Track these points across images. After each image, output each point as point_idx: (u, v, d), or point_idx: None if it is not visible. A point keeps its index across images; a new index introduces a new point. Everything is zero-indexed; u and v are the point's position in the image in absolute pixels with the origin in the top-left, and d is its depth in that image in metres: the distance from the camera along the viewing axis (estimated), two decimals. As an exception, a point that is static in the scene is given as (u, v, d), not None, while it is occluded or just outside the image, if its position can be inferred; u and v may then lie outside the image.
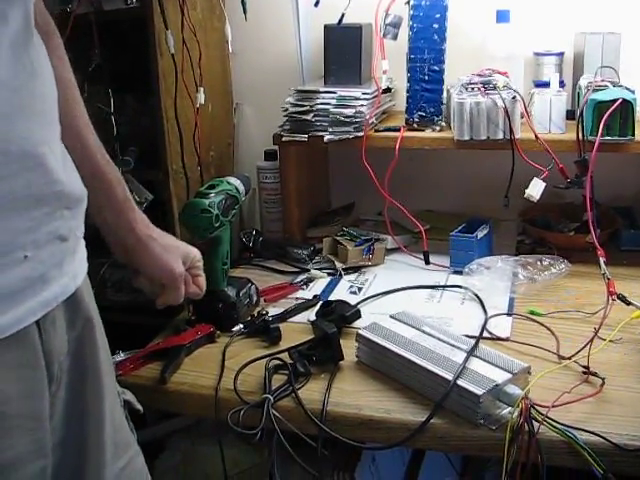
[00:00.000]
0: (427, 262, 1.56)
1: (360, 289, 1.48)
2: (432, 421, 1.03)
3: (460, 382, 1.02)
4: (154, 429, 1.43)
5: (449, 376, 1.04)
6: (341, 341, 1.21)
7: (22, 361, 0.76)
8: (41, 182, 0.75)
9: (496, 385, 1.01)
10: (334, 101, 1.55)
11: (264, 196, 1.76)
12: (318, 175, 1.86)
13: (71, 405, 0.84)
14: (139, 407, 1.05)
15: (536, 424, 0.98)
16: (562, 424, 0.98)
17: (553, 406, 1.00)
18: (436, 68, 1.51)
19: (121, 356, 1.27)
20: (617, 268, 1.44)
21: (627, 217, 1.69)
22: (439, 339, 1.15)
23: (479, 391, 1.00)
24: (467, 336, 1.19)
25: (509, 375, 1.03)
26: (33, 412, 0.78)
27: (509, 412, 1.00)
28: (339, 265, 1.57)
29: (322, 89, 1.57)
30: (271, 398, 1.09)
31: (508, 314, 1.33)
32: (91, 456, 0.87)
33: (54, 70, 0.87)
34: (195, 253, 1.16)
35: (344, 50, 1.61)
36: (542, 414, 0.98)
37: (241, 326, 1.33)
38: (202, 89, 1.58)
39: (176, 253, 1.11)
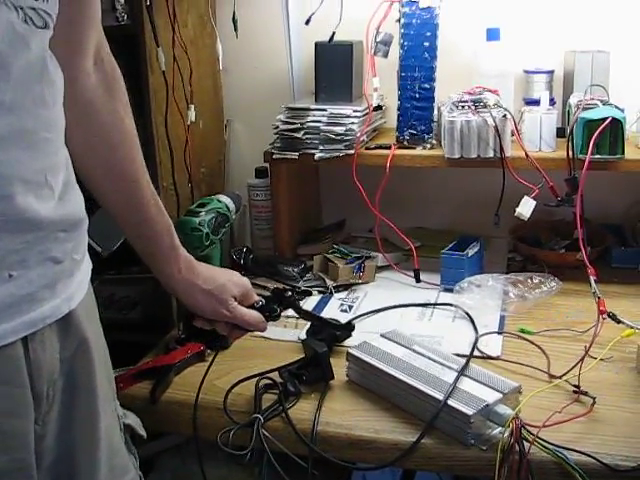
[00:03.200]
0: (418, 280, 1.56)
1: (351, 307, 1.48)
2: (422, 441, 1.02)
3: (450, 402, 1.02)
4: (143, 448, 1.41)
5: (439, 396, 1.03)
6: (331, 360, 1.21)
7: (4, 378, 0.75)
8: (36, 207, 0.75)
9: (486, 405, 1.00)
10: (325, 119, 1.55)
11: (255, 213, 1.76)
12: (309, 192, 1.86)
13: (64, 426, 0.83)
14: (142, 433, 1.04)
15: (527, 444, 0.97)
16: (553, 444, 0.97)
17: (544, 426, 0.99)
18: (427, 86, 1.52)
19: (115, 372, 1.27)
20: (608, 286, 1.44)
21: (617, 234, 1.70)
22: (430, 358, 1.14)
23: (469, 411, 0.99)
24: (458, 355, 1.19)
25: (499, 395, 1.03)
26: (13, 430, 0.77)
27: (500, 432, 1.00)
28: (330, 283, 1.57)
29: (313, 106, 1.58)
30: (261, 418, 1.08)
31: (499, 332, 1.33)
32: (83, 478, 0.86)
33: (114, 115, 0.95)
34: (245, 282, 1.15)
35: (335, 67, 1.62)
36: (533, 434, 0.98)
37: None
38: (193, 106, 1.58)
39: (225, 293, 1.11)
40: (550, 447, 0.97)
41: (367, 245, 1.74)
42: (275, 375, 1.19)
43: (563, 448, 0.97)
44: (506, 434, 0.98)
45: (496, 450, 0.97)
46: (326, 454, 1.05)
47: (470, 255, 1.52)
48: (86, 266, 0.90)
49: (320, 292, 1.55)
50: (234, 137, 1.93)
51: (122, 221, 1.03)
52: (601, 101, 1.42)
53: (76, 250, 0.84)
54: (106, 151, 0.97)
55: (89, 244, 1.57)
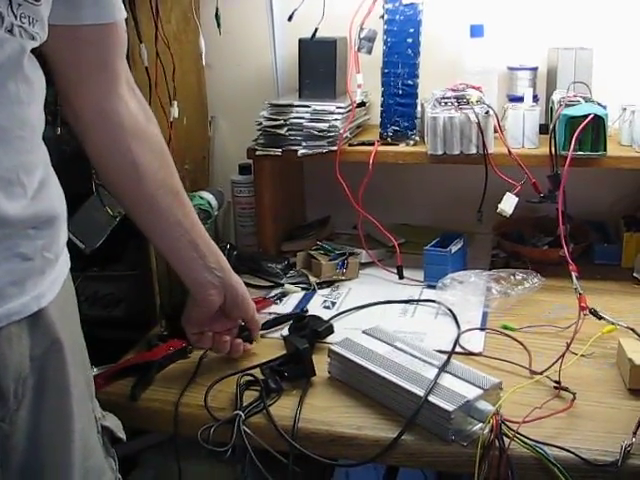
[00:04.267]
0: (401, 277, 1.56)
1: (334, 304, 1.48)
2: (403, 437, 1.02)
3: (431, 398, 1.02)
4: (126, 445, 1.40)
5: (420, 392, 1.03)
6: (313, 356, 1.21)
7: None
8: (4, 205, 0.75)
9: (467, 401, 1.00)
10: (308, 115, 1.55)
11: (238, 210, 1.75)
12: (293, 189, 1.86)
13: (34, 425, 0.83)
14: (121, 436, 1.03)
15: (507, 440, 0.97)
16: (533, 440, 0.97)
17: (524, 422, 0.99)
18: (410, 82, 1.52)
19: (94, 371, 1.24)
20: (590, 282, 1.45)
21: (600, 231, 1.70)
22: (411, 355, 1.14)
23: (450, 407, 0.99)
24: (440, 351, 1.19)
25: (480, 391, 1.03)
26: None
27: (480, 428, 1.00)
28: (313, 279, 1.56)
29: (296, 103, 1.57)
30: (242, 414, 1.08)
31: (481, 329, 1.33)
32: None
33: (157, 137, 1.03)
34: None
35: (319, 64, 1.61)
36: (513, 430, 0.98)
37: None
38: (176, 102, 1.57)
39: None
40: (530, 443, 0.97)
41: (351, 242, 1.73)
42: (257, 372, 1.19)
43: (543, 443, 0.97)
44: (486, 430, 0.98)
45: (476, 446, 0.97)
46: (307, 451, 1.04)
47: (453, 252, 1.53)
48: (62, 265, 0.89)
49: (303, 289, 1.55)
50: (218, 133, 1.92)
51: (174, 234, 1.07)
52: (583, 98, 1.43)
53: (48, 248, 0.84)
54: (157, 168, 1.02)
55: (71, 241, 1.56)
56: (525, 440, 0.97)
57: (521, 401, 1.07)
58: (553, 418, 1.03)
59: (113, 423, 1.02)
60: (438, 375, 1.06)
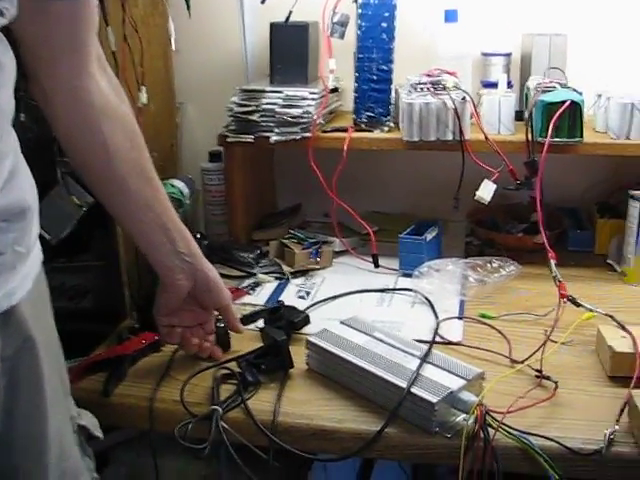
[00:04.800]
0: (376, 265, 1.54)
1: (308, 293, 1.45)
2: (386, 430, 1.00)
3: (414, 390, 1.00)
4: (97, 442, 1.37)
5: (402, 384, 1.01)
6: (290, 348, 1.18)
7: None
8: None
9: (451, 392, 0.99)
10: (281, 101, 1.51)
11: (208, 198, 1.71)
12: (264, 176, 1.82)
13: (6, 428, 0.79)
14: (98, 434, 1.00)
15: (491, 431, 0.96)
16: (517, 430, 0.96)
17: (508, 412, 0.98)
18: (384, 68, 1.49)
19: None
20: (565, 269, 1.43)
21: (573, 218, 1.70)
22: (391, 345, 1.12)
23: (434, 399, 0.97)
24: (418, 341, 1.18)
25: (463, 381, 1.01)
26: None
27: (464, 419, 0.98)
28: (286, 269, 1.53)
29: (268, 88, 1.54)
30: (220, 410, 1.05)
31: (459, 318, 1.32)
32: None
33: (129, 117, 0.99)
34: None
35: (291, 49, 1.57)
36: (497, 421, 0.97)
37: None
38: (144, 88, 1.53)
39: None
40: (515, 433, 0.96)
41: (323, 230, 1.71)
42: (233, 365, 1.16)
43: (527, 434, 0.96)
44: (470, 421, 0.97)
45: (460, 437, 0.96)
46: (287, 445, 1.02)
47: (429, 239, 1.51)
48: (34, 259, 0.85)
49: (277, 278, 1.52)
50: (186, 120, 1.88)
51: (144, 218, 1.03)
52: (560, 84, 1.42)
53: (19, 242, 0.79)
54: (129, 149, 0.98)
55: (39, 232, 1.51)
56: (510, 430, 0.96)
57: (503, 391, 1.05)
58: (536, 407, 1.02)
59: (89, 421, 0.99)
60: (420, 366, 1.05)
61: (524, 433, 0.96)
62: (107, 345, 1.28)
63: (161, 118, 1.76)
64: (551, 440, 0.96)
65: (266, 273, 1.53)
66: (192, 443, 1.03)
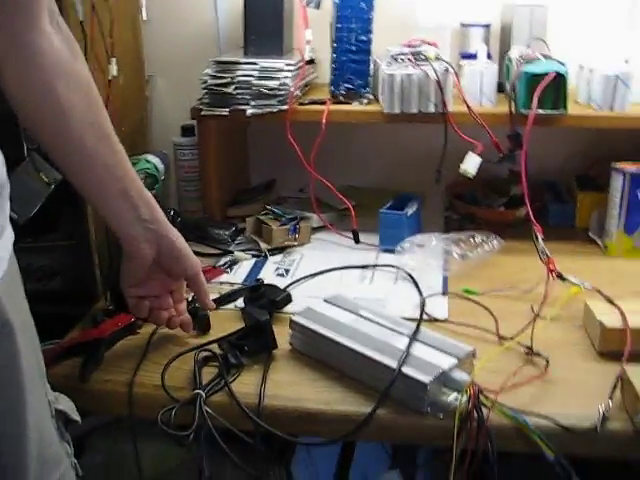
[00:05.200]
0: (357, 241, 1.51)
1: (287, 271, 1.41)
2: (376, 412, 0.97)
3: (405, 369, 0.97)
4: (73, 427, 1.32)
5: (393, 363, 0.99)
6: (273, 328, 1.15)
7: None
8: None
9: (442, 372, 0.96)
10: (256, 73, 1.46)
11: (182, 174, 1.66)
12: (238, 151, 1.77)
13: None
14: (76, 418, 0.95)
15: (485, 410, 0.94)
16: (511, 409, 0.94)
17: (501, 390, 0.96)
18: (364, 38, 1.45)
19: None
20: (546, 243, 1.41)
21: (552, 191, 1.69)
22: (378, 323, 1.09)
23: (426, 379, 0.95)
24: (404, 318, 1.15)
25: (455, 360, 0.99)
26: None
27: (455, 398, 0.96)
28: (264, 246, 1.49)
29: (243, 60, 1.48)
30: (203, 394, 1.01)
31: (443, 294, 1.29)
32: (10, 474, 0.77)
33: (83, 74, 0.92)
34: None
35: (265, 19, 1.52)
36: (491, 400, 0.94)
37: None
38: (114, 60, 1.46)
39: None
40: (509, 412, 0.94)
41: (299, 205, 1.66)
42: (215, 347, 1.12)
43: (521, 412, 0.94)
44: (463, 400, 0.94)
45: (453, 417, 0.94)
46: (273, 429, 0.99)
47: (409, 214, 1.48)
48: (6, 240, 0.80)
49: (254, 256, 1.48)
50: (157, 93, 1.81)
51: (103, 182, 0.97)
52: (543, 55, 1.39)
53: None
54: (85, 108, 0.92)
55: (4, 211, 1.44)
56: (504, 410, 0.94)
57: (493, 368, 1.03)
58: (528, 385, 1.00)
59: (67, 405, 0.95)
60: (410, 344, 1.02)
61: (518, 412, 0.94)
62: (81, 328, 1.23)
63: (130, 91, 1.69)
64: (545, 418, 0.94)
65: (243, 250, 1.49)
66: (174, 429, 1.00)
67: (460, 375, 0.96)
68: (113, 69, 1.46)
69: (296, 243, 1.51)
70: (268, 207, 1.60)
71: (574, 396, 1.00)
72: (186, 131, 1.64)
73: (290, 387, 1.04)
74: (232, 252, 1.48)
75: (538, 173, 1.68)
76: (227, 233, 1.54)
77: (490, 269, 1.38)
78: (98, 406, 1.09)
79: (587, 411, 0.95)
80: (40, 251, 1.59)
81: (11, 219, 1.36)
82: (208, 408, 1.00)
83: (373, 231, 1.51)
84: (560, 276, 1.22)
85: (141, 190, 1.01)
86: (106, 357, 1.13)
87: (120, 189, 0.98)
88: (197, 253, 1.47)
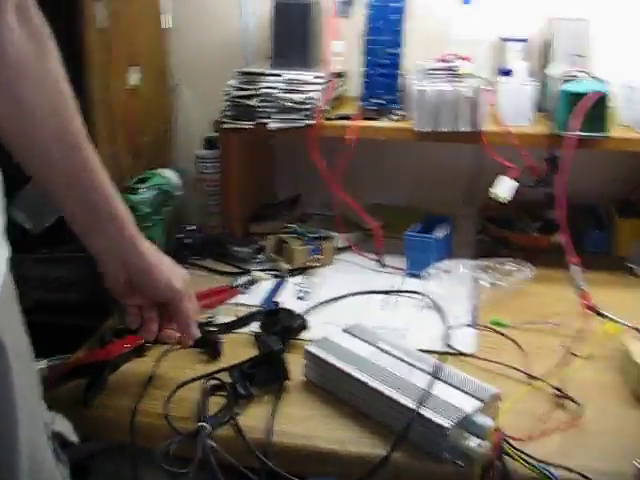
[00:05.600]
0: (382, 264, 1.43)
1: (307, 293, 1.35)
2: (392, 454, 0.90)
3: (424, 412, 0.90)
4: (74, 450, 1.27)
5: (411, 404, 0.91)
6: (286, 355, 1.09)
7: None
8: None
9: (465, 416, 0.89)
10: (282, 85, 1.40)
11: (203, 188, 1.60)
12: (262, 165, 1.71)
13: None
14: (73, 439, 0.90)
15: (508, 459, 0.86)
16: (537, 460, 0.86)
17: (529, 439, 0.88)
18: (394, 51, 1.38)
19: (44, 364, 1.13)
20: (582, 272, 1.34)
21: (590, 216, 1.60)
22: (398, 358, 1.02)
23: (446, 423, 0.87)
24: (425, 351, 1.08)
25: (479, 403, 0.91)
26: None
27: (478, 445, 0.88)
28: (284, 266, 1.43)
29: (268, 71, 1.43)
30: (207, 427, 0.95)
31: (470, 325, 1.22)
32: None
33: (49, 76, 0.84)
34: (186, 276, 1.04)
35: (293, 29, 1.47)
36: (516, 449, 0.87)
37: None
38: (135, 68, 1.41)
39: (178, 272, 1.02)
40: (535, 463, 0.86)
41: (323, 224, 1.59)
42: (225, 375, 1.05)
43: (547, 463, 0.86)
44: (486, 448, 0.87)
45: (474, 466, 0.86)
46: (282, 469, 0.92)
47: (438, 238, 1.41)
48: (1, 257, 0.76)
49: (274, 276, 1.41)
50: (182, 103, 1.77)
51: (71, 193, 0.89)
52: (583, 73, 1.31)
53: None
54: (48, 112, 0.84)
55: (18, 221, 1.41)
56: (530, 460, 0.86)
57: (520, 410, 0.96)
58: (556, 432, 0.92)
59: (63, 426, 0.89)
60: (431, 384, 0.95)
61: (544, 463, 0.86)
62: (88, 348, 1.18)
63: (154, 101, 1.65)
64: (575, 472, 0.86)
65: (262, 270, 1.43)
66: (176, 461, 0.93)
67: (484, 420, 0.89)
68: (133, 77, 1.41)
69: (318, 264, 1.45)
70: (290, 225, 1.53)
71: (608, 448, 0.91)
72: (209, 143, 1.58)
73: (301, 423, 0.98)
74: (250, 271, 1.42)
75: (575, 197, 1.57)
76: (247, 251, 1.49)
77: (521, 299, 1.30)
78: (100, 432, 1.04)
79: (622, 465, 0.87)
80: (57, 262, 1.56)
81: (25, 229, 1.33)
82: (212, 442, 0.94)
83: (401, 253, 1.44)
84: (596, 311, 1.14)
85: (112, 203, 0.92)
86: (111, 380, 1.08)
87: (87, 202, 0.90)
88: (215, 271, 1.44)
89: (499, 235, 1.53)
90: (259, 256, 1.49)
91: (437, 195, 1.60)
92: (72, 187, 0.88)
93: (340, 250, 1.52)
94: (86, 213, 0.91)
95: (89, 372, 1.07)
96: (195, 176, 1.60)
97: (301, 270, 1.43)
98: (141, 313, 1.02)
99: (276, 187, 1.80)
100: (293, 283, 1.39)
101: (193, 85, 1.76)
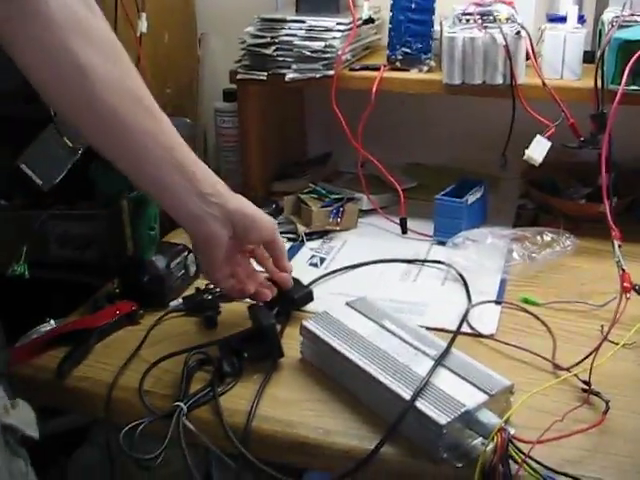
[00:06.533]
0: (404, 231, 1.31)
1: (323, 260, 1.24)
2: (382, 450, 0.79)
3: (419, 404, 0.79)
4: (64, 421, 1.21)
5: (407, 394, 0.80)
6: (287, 330, 1.00)
7: None
8: None
9: (466, 411, 0.77)
10: (302, 32, 1.28)
11: (222, 144, 1.50)
12: (290, 119, 1.60)
13: None
14: (32, 434, 0.78)
15: (513, 464, 0.74)
16: (547, 467, 0.74)
17: (538, 442, 0.75)
18: (427, -6, 1.24)
19: (51, 324, 1.10)
20: (635, 246, 1.18)
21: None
22: (401, 339, 0.91)
23: (442, 419, 0.76)
24: (443, 330, 0.96)
25: (485, 397, 0.79)
26: None
27: (481, 444, 0.77)
28: (301, 229, 1.32)
29: (290, 18, 1.30)
30: (184, 407, 0.86)
31: (497, 302, 1.09)
32: None
33: (75, 15, 0.77)
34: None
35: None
36: (523, 453, 0.74)
37: (179, 302, 1.11)
38: (144, 15, 1.31)
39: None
40: (543, 473, 0.73)
41: (353, 184, 1.47)
42: (215, 349, 0.96)
43: (560, 473, 0.74)
44: (489, 448, 0.75)
45: (474, 468, 0.75)
46: (261, 457, 0.82)
47: (470, 202, 1.27)
48: None
49: (289, 239, 1.31)
50: (208, 53, 1.66)
51: (151, 157, 0.84)
52: (641, 18, 1.14)
53: None
54: (110, 69, 0.80)
55: (29, 177, 1.35)
56: (537, 467, 0.74)
57: (539, 406, 0.84)
58: (576, 435, 0.79)
59: (20, 418, 0.80)
60: (432, 371, 0.83)
61: (555, 472, 0.74)
62: (80, 313, 1.10)
63: (177, 51, 1.55)
64: (592, 482, 0.74)
65: (280, 232, 1.32)
66: (151, 441, 0.85)
67: (488, 417, 0.77)
68: (143, 25, 1.31)
69: (338, 228, 1.33)
70: (312, 184, 1.42)
71: (634, 455, 0.78)
72: (228, 96, 1.48)
73: (287, 407, 0.88)
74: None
75: (632, 160, 1.42)
76: (266, 212, 1.37)
77: (558, 275, 1.16)
78: (74, 405, 0.97)
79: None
80: (77, 219, 1.50)
81: (36, 185, 1.27)
82: (190, 423, 0.85)
83: (431, 218, 1.31)
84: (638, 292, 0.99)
85: (195, 160, 0.88)
86: (96, 349, 1.01)
87: (172, 163, 0.84)
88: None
89: (543, 201, 1.38)
90: (279, 217, 1.38)
91: (477, 154, 1.46)
92: (154, 150, 0.83)
93: (366, 212, 1.40)
94: (174, 175, 0.85)
95: (74, 340, 1.00)
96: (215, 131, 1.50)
97: (320, 234, 1.32)
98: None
99: (308, 144, 1.68)
100: (309, 248, 1.29)
101: (222, 34, 1.64)
